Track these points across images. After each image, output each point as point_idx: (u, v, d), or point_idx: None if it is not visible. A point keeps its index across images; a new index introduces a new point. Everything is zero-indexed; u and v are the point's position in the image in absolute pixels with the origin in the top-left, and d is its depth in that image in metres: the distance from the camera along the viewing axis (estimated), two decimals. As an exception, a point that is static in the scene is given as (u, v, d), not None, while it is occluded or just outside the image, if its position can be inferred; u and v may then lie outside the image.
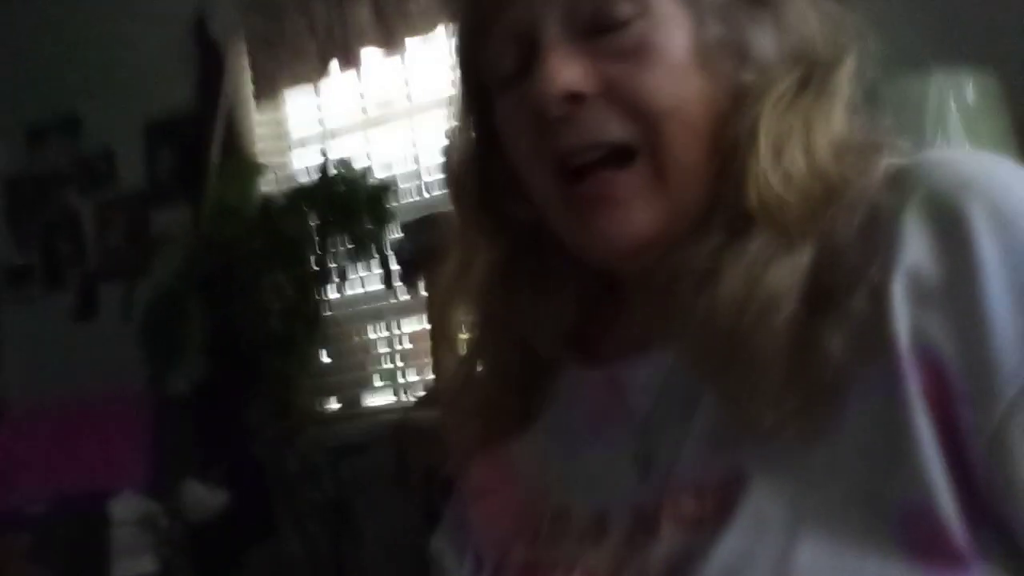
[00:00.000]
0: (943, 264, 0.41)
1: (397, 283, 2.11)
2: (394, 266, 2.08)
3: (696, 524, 0.45)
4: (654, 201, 0.49)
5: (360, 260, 2.22)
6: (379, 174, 2.29)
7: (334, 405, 2.35)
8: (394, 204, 2.22)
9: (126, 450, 2.21)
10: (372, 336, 2.43)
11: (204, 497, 2.16)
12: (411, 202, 2.32)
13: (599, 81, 0.49)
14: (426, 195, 2.32)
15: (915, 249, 0.42)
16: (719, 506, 0.44)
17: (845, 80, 0.50)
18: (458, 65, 0.59)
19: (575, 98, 0.48)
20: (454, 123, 0.61)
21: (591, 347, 0.58)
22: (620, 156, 0.49)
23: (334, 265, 2.21)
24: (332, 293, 2.28)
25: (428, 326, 2.08)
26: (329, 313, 2.27)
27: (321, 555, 2.24)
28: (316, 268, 2.20)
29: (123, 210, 2.76)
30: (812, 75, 0.49)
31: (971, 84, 1.35)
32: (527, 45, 0.51)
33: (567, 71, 0.48)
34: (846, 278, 0.43)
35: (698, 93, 0.49)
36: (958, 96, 1.34)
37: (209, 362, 2.06)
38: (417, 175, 2.35)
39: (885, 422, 0.41)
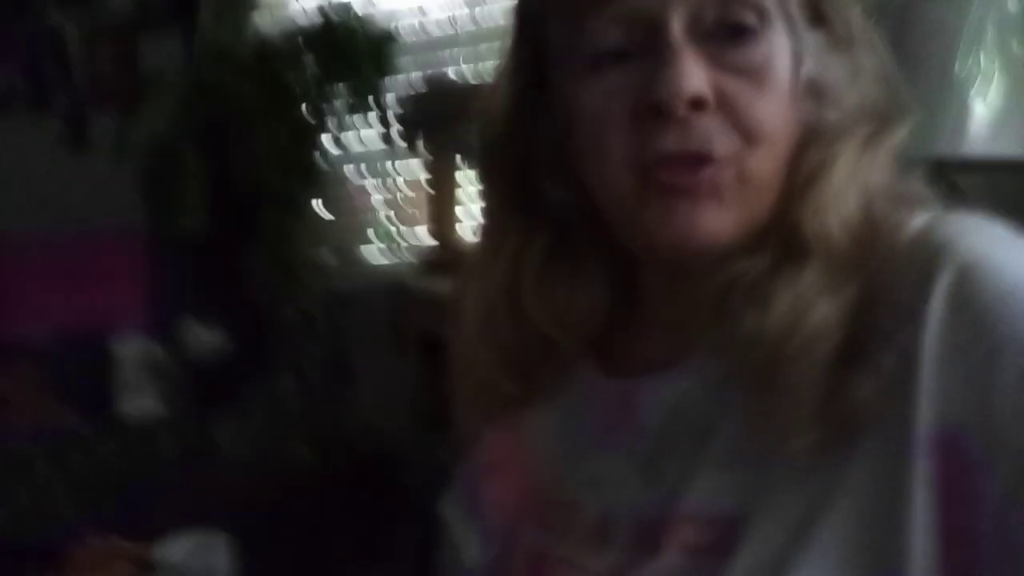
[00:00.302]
0: (970, 342, 0.42)
1: (398, 141, 2.07)
2: (395, 125, 2.03)
3: (696, 552, 0.48)
4: (732, 205, 0.50)
5: (359, 112, 2.16)
6: (382, 24, 2.18)
7: (330, 258, 2.35)
8: (396, 57, 2.13)
9: (126, 288, 2.24)
10: (370, 192, 2.41)
11: (203, 338, 2.22)
12: (414, 57, 2.23)
13: (718, 92, 0.48)
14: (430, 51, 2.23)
15: (943, 325, 0.43)
16: (721, 539, 0.47)
17: (900, 138, 0.51)
18: (519, 22, 0.57)
19: (698, 104, 0.48)
20: (498, 85, 0.59)
21: (609, 351, 0.59)
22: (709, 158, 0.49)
23: (332, 117, 2.15)
24: (330, 146, 2.23)
25: (429, 190, 2.07)
26: (326, 166, 2.25)
27: (315, 396, 2.34)
28: (313, 119, 2.14)
29: (110, 35, 2.63)
30: (879, 129, 0.51)
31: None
32: (641, 32, 0.49)
33: (698, 76, 0.48)
34: (878, 333, 0.45)
35: (789, 123, 0.50)
36: (998, 8, 1.29)
37: (206, 211, 2.04)
38: (424, 29, 2.24)
39: (887, 487, 0.43)
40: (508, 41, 0.59)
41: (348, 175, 2.38)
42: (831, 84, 0.51)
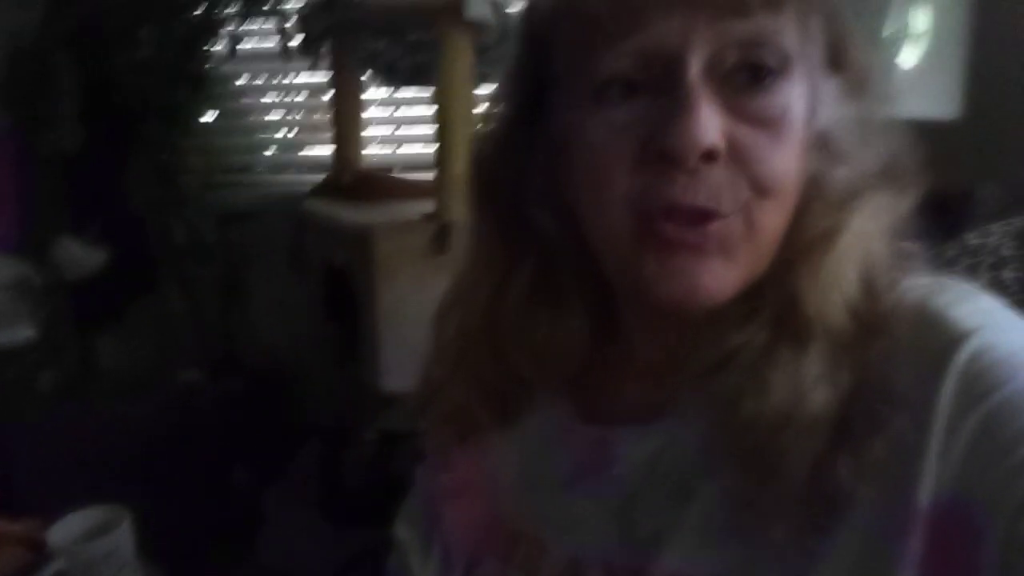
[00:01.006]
0: (970, 413, 0.42)
1: (298, 52, 1.92)
2: (297, 34, 1.88)
3: None
4: (738, 260, 0.46)
5: (255, 16, 1.99)
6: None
7: (221, 171, 2.21)
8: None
9: (-10, 204, 2.03)
10: (266, 101, 2.25)
11: (81, 255, 2.06)
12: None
13: (730, 143, 0.45)
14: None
15: (949, 413, 0.42)
16: None
17: (907, 205, 0.48)
18: (524, 45, 0.52)
19: (709, 156, 0.44)
20: (498, 108, 0.55)
21: (585, 392, 0.56)
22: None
23: (225, 21, 1.97)
24: (221, 50, 2.05)
25: (332, 107, 1.95)
26: (217, 72, 2.08)
27: (206, 318, 2.24)
28: (204, 23, 1.96)
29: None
30: (889, 195, 0.48)
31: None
32: (656, 68, 0.45)
33: (714, 127, 0.44)
34: (868, 416, 0.43)
35: (798, 175, 0.47)
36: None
37: (82, 123, 1.86)
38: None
39: (869, 565, 0.42)
40: (510, 62, 0.54)
41: (243, 87, 2.21)
42: (843, 137, 0.48)
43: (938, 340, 0.44)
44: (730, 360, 0.46)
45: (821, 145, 0.47)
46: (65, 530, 0.97)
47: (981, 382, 0.42)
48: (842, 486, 0.43)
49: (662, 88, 0.45)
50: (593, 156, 0.47)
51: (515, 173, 0.53)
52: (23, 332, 1.92)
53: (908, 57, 1.34)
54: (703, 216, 0.45)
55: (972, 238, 0.97)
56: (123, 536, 0.98)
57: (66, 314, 2.05)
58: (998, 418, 0.41)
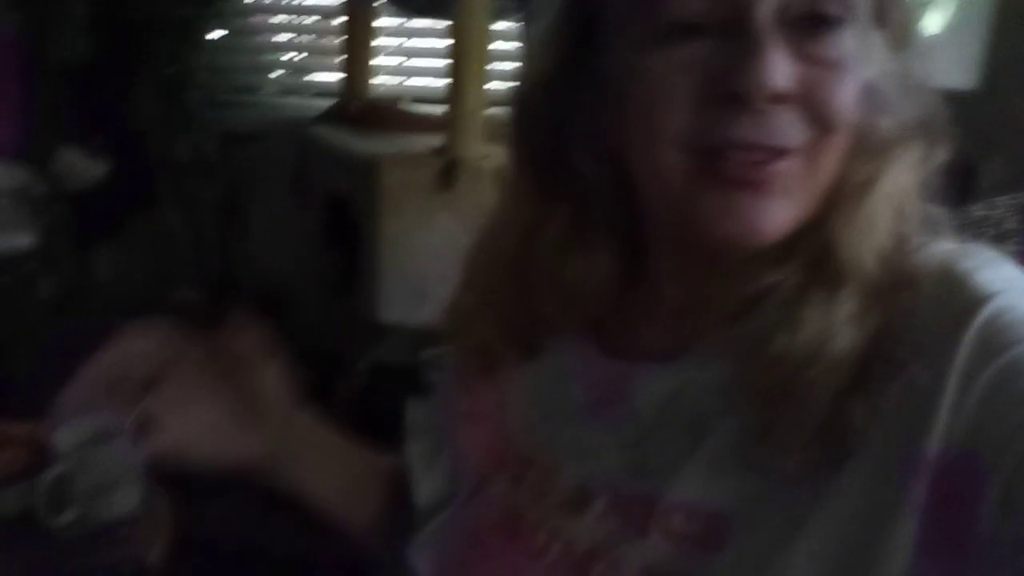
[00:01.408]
0: (984, 369, 0.43)
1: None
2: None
3: (683, 541, 0.48)
4: (798, 200, 0.48)
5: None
6: None
7: (228, 91, 2.18)
8: None
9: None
10: (275, 21, 2.22)
11: (83, 166, 2.06)
12: None
13: (799, 84, 0.46)
14: None
15: (966, 367, 0.43)
16: (709, 533, 0.48)
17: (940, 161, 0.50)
18: None
19: (779, 98, 0.45)
20: (542, 44, 0.55)
21: (607, 328, 0.57)
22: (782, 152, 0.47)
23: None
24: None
25: (343, 35, 1.92)
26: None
27: (205, 237, 2.24)
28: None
29: None
30: (926, 149, 0.49)
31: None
32: (725, 9, 0.45)
33: (784, 70, 0.45)
34: (887, 363, 0.45)
35: (854, 121, 0.48)
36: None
37: (91, 33, 1.83)
38: None
39: (873, 503, 0.44)
40: (555, 3, 0.53)
41: (253, 5, 2.18)
42: (885, 88, 0.49)
43: (962, 299, 0.45)
44: (764, 298, 0.48)
45: (867, 94, 0.48)
46: (69, 435, 0.99)
47: (999, 338, 0.43)
48: (855, 426, 0.45)
49: (729, 30, 0.45)
50: (655, 94, 0.47)
51: (558, 116, 0.54)
52: (23, 239, 1.92)
53: (931, 25, 1.33)
54: (768, 154, 0.46)
55: (977, 209, 0.98)
56: (126, 443, 1.00)
57: (65, 224, 2.05)
58: (1012, 373, 0.42)
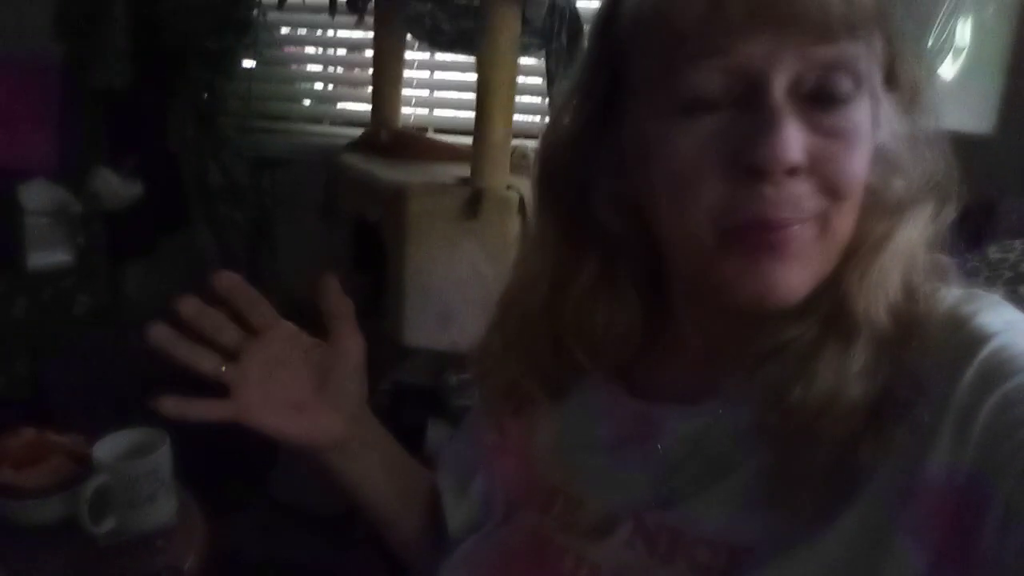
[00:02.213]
0: (987, 397, 0.46)
1: (342, 9, 1.95)
2: (343, -9, 1.91)
3: (708, 572, 0.51)
4: (813, 262, 0.50)
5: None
6: None
7: (259, 118, 2.25)
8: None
9: (36, 130, 2.08)
10: (307, 52, 2.29)
11: (118, 187, 2.12)
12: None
13: (810, 155, 0.48)
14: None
15: (968, 401, 0.46)
16: (731, 565, 0.50)
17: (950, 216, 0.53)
18: (599, 50, 0.55)
19: (794, 170, 0.48)
20: (567, 107, 0.58)
21: (633, 370, 0.61)
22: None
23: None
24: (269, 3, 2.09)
25: (373, 66, 1.98)
26: (262, 18, 2.11)
27: (233, 256, 2.29)
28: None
29: None
30: (938, 206, 0.52)
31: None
32: (741, 85, 0.48)
33: (798, 144, 0.47)
34: (897, 406, 0.48)
35: (865, 178, 0.51)
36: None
37: (130, 61, 1.90)
38: None
39: (871, 530, 0.47)
40: (583, 65, 0.57)
41: (286, 37, 2.25)
42: (898, 149, 0.52)
43: (964, 339, 0.48)
44: (782, 351, 0.51)
45: (880, 157, 0.51)
46: (109, 447, 1.04)
47: (1000, 371, 0.46)
48: (863, 463, 0.47)
49: (747, 106, 0.48)
50: (678, 166, 0.50)
51: (582, 173, 0.57)
52: (61, 256, 1.98)
53: (948, 70, 1.37)
54: (785, 223, 0.49)
55: (993, 252, 1.01)
56: (163, 457, 1.05)
57: (101, 242, 2.11)
58: (1012, 399, 0.45)
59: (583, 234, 0.59)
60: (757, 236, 0.49)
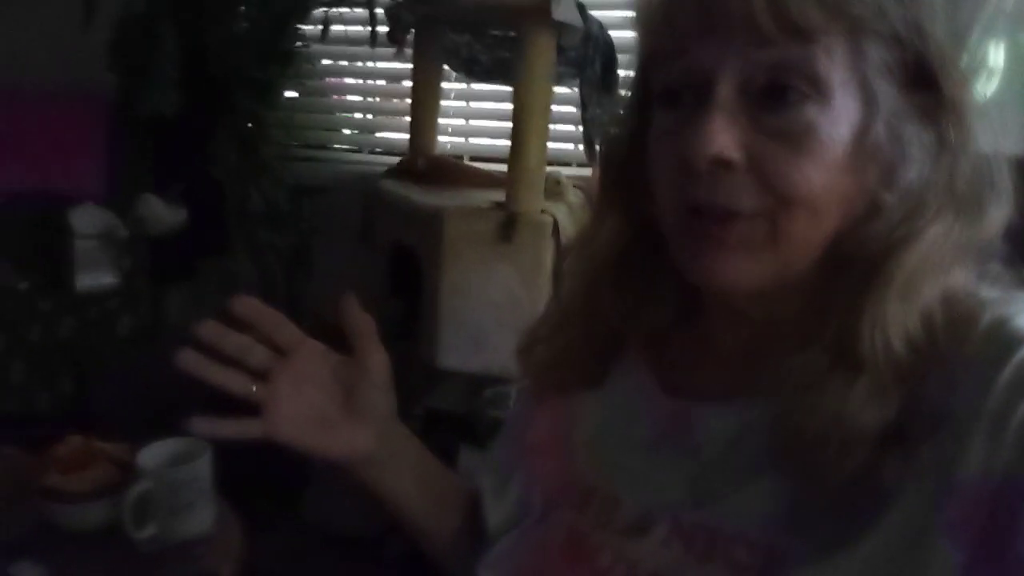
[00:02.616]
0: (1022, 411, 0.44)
1: (383, 41, 2.01)
2: (385, 21, 1.97)
3: (745, 571, 0.51)
4: (762, 259, 0.52)
5: (345, 4, 2.09)
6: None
7: (299, 146, 2.31)
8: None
9: (86, 157, 2.17)
10: (348, 82, 2.35)
11: (163, 212, 2.18)
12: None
13: (750, 153, 0.50)
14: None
15: (1003, 402, 0.45)
16: (768, 565, 0.50)
17: (987, 236, 0.51)
18: (638, 61, 0.60)
19: (722, 164, 0.50)
20: (624, 110, 0.63)
21: (670, 369, 0.62)
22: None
23: (318, 5, 2.07)
24: (311, 29, 2.16)
25: (412, 96, 2.03)
26: (305, 50, 2.18)
27: (272, 282, 2.34)
28: (298, 5, 2.06)
29: None
30: (964, 220, 0.50)
31: None
32: (698, 79, 0.51)
33: (724, 136, 0.49)
34: (922, 425, 0.47)
35: (839, 190, 0.51)
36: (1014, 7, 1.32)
37: (178, 90, 1.97)
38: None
39: (913, 533, 0.46)
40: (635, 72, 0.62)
41: (327, 67, 2.32)
42: (906, 156, 0.50)
43: (1000, 341, 0.47)
44: (788, 377, 0.50)
45: (879, 163, 0.50)
46: (153, 455, 1.07)
47: None
48: (888, 485, 0.47)
49: (700, 102, 0.51)
50: (652, 156, 0.56)
51: (628, 156, 0.61)
52: (107, 279, 2.04)
53: (981, 91, 1.37)
54: (724, 214, 0.51)
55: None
56: (204, 465, 1.07)
57: (145, 266, 2.17)
58: None
59: (632, 224, 0.62)
60: (700, 224, 0.52)
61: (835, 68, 0.49)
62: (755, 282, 0.52)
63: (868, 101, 0.50)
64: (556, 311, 0.68)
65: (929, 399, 0.47)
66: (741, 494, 0.53)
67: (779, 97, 0.49)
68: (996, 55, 1.40)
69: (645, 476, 0.59)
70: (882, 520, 0.47)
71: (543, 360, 0.67)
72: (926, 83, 0.51)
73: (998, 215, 0.52)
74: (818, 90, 0.49)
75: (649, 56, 0.56)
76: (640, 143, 0.58)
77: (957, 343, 0.48)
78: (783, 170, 0.49)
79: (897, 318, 0.48)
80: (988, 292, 0.51)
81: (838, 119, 0.49)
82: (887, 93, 0.51)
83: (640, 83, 0.59)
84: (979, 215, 0.51)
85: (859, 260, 0.51)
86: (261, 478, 1.83)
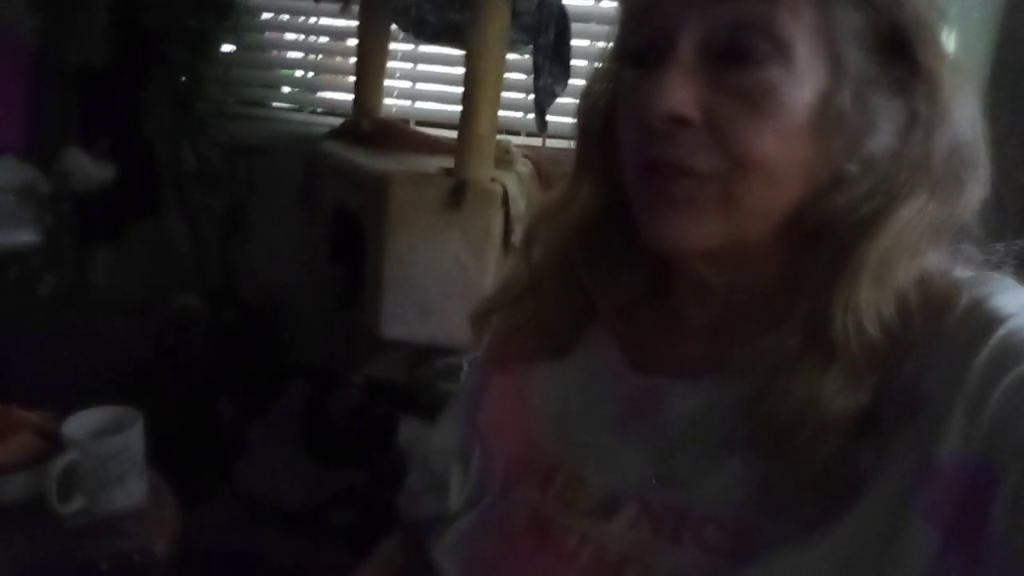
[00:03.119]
0: (1005, 393, 0.44)
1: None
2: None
3: (715, 551, 0.49)
4: (711, 221, 0.50)
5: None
6: None
7: (236, 103, 2.21)
8: None
9: (5, 105, 2.03)
10: (289, 37, 2.25)
11: (89, 168, 2.07)
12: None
13: (708, 112, 0.48)
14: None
15: (980, 383, 0.44)
16: (738, 543, 0.49)
17: (962, 216, 0.49)
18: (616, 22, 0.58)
19: (678, 121, 0.48)
20: (600, 69, 0.61)
21: (637, 345, 0.60)
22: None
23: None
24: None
25: (357, 56, 1.96)
26: (244, 2, 2.08)
27: (207, 246, 2.25)
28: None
29: None
30: (930, 203, 0.49)
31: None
32: (661, 38, 0.50)
33: (681, 94, 0.48)
34: (897, 410, 0.46)
35: (798, 157, 0.49)
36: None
37: (108, 38, 1.86)
38: None
39: (889, 514, 0.45)
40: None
41: (267, 22, 2.22)
42: (874, 125, 0.49)
43: (978, 322, 0.46)
44: (761, 358, 0.49)
45: (843, 133, 0.49)
46: (80, 424, 1.01)
47: (1014, 354, 0.44)
48: (861, 470, 0.46)
49: (661, 60, 0.50)
50: (619, 109, 0.55)
51: (605, 116, 0.59)
52: (27, 236, 1.93)
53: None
54: (677, 172, 0.50)
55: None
56: (135, 436, 1.02)
57: (69, 224, 2.06)
58: None
59: (604, 174, 0.60)
60: (653, 181, 0.51)
61: (800, 29, 0.48)
62: (703, 243, 0.51)
63: (835, 66, 0.49)
64: (521, 278, 0.65)
65: (905, 381, 0.46)
66: (711, 474, 0.52)
67: (740, 56, 0.48)
68: (949, 42, 1.41)
69: (610, 454, 0.57)
70: (859, 502, 0.46)
71: (504, 327, 0.65)
72: (900, 52, 0.50)
73: (975, 195, 0.50)
74: (780, 50, 0.48)
75: (622, 20, 0.55)
76: (615, 112, 0.56)
77: (934, 326, 0.47)
78: (739, 131, 0.48)
79: (870, 302, 0.47)
80: (963, 273, 0.51)
81: (801, 82, 0.48)
82: (856, 59, 0.49)
83: (616, 51, 0.58)
84: (956, 194, 0.50)
85: (828, 237, 0.49)
86: (195, 449, 1.77)
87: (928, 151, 0.49)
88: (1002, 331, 0.46)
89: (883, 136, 0.49)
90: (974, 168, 0.50)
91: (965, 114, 0.51)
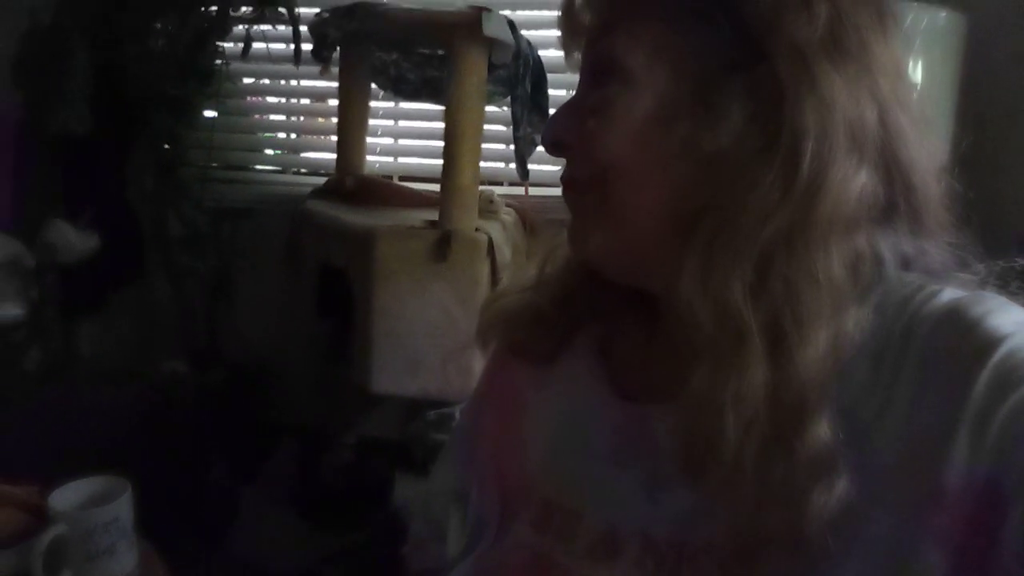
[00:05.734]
0: (1009, 415, 0.44)
1: (307, 59, 1.95)
2: (307, 44, 1.92)
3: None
4: (601, 227, 0.57)
5: (269, 20, 2.02)
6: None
7: (220, 168, 2.22)
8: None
9: (-12, 180, 2.03)
10: (271, 100, 2.28)
11: (73, 239, 2.06)
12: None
13: (579, 130, 0.57)
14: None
15: (983, 404, 0.45)
16: (739, 566, 0.48)
17: (848, 189, 0.49)
18: None
19: (559, 146, 0.59)
20: None
21: (623, 371, 0.61)
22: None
23: (238, 21, 2.00)
24: (232, 47, 2.08)
25: (338, 115, 1.98)
26: (225, 67, 2.10)
27: (192, 310, 2.24)
28: (216, 17, 1.98)
29: None
30: (796, 173, 0.48)
31: (941, 18, 1.36)
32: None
33: (563, 122, 0.58)
34: (887, 425, 0.46)
35: (647, 157, 0.54)
36: (927, 27, 1.35)
37: (90, 107, 1.87)
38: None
39: (900, 540, 0.45)
40: None
41: (249, 86, 2.24)
42: (718, 105, 0.50)
43: (976, 342, 0.46)
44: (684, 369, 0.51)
45: (683, 133, 0.52)
46: (67, 496, 0.99)
47: (1016, 374, 0.44)
48: (852, 512, 0.45)
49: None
50: None
51: None
52: (12, 310, 1.91)
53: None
54: (569, 186, 0.59)
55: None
56: (124, 505, 0.99)
57: (54, 296, 2.05)
58: None
59: None
60: (566, 196, 0.60)
61: (637, 48, 0.54)
62: (602, 250, 0.58)
63: (676, 74, 0.53)
64: (530, 276, 0.69)
65: (898, 407, 0.47)
66: (705, 501, 0.51)
67: (596, 83, 0.56)
68: (915, 72, 1.44)
69: (606, 489, 0.56)
70: (865, 524, 0.46)
71: (506, 309, 0.68)
72: (752, 54, 0.50)
73: (855, 182, 0.49)
74: (620, 71, 0.54)
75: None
76: None
77: (930, 346, 0.47)
78: (590, 142, 0.55)
79: (728, 286, 0.49)
80: (955, 292, 0.50)
81: (641, 93, 0.54)
82: (699, 66, 0.52)
83: None
84: (819, 194, 0.49)
85: (700, 232, 0.51)
86: (186, 515, 1.74)
87: (793, 151, 0.49)
88: (1001, 352, 0.45)
89: (725, 133, 0.50)
90: (851, 154, 0.49)
91: (842, 104, 0.49)
